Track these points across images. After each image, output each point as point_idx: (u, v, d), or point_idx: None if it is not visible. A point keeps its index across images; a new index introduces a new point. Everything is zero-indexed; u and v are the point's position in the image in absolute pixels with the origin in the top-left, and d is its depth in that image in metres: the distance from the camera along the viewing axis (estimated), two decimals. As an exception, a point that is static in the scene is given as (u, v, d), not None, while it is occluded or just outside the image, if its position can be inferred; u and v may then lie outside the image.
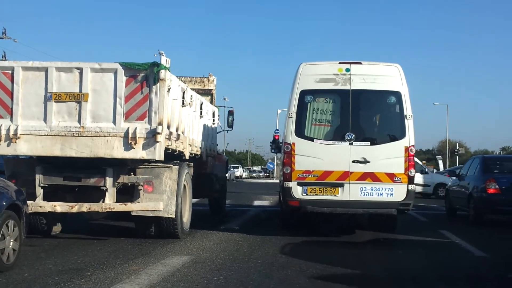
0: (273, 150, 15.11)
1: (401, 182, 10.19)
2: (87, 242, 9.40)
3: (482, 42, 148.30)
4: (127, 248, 8.88)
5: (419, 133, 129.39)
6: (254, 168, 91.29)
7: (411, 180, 10.23)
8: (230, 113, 16.46)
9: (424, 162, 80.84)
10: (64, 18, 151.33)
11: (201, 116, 12.23)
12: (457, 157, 64.31)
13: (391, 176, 10.19)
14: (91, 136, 8.88)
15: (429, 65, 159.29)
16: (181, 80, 10.91)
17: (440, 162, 72.54)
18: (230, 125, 16.40)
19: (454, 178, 17.07)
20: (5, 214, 6.86)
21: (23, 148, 9.01)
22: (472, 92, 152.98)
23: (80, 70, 8.94)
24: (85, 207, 9.09)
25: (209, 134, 13.46)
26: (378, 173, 10.20)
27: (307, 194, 10.32)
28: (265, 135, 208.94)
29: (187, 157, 10.78)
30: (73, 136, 8.90)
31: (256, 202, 20.50)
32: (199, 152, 12.10)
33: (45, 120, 8.97)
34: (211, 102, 14.83)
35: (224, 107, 21.09)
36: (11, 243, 6.98)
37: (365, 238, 10.85)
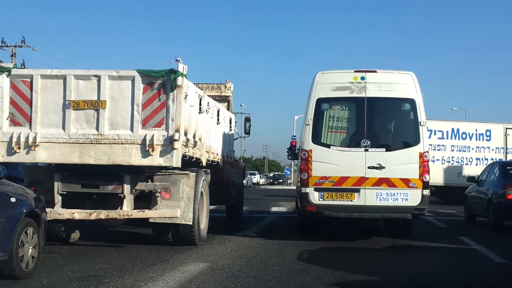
0: (290, 157, 15.11)
1: (416, 187, 10.31)
2: (105, 249, 9.45)
3: (499, 47, 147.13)
4: (145, 255, 8.92)
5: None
6: (270, 174, 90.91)
7: (425, 185, 10.37)
8: (247, 119, 16.45)
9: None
10: (84, 29, 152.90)
11: (218, 123, 12.27)
12: (476, 162, 63.63)
13: (406, 182, 10.32)
14: (109, 144, 8.94)
15: (447, 70, 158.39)
16: (198, 87, 10.96)
17: (459, 168, 72.11)
18: (247, 132, 16.38)
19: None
20: (24, 222, 6.91)
21: (42, 155, 9.08)
22: (491, 97, 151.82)
23: (98, 77, 9.02)
24: (103, 214, 9.13)
25: (226, 140, 13.49)
26: (393, 178, 10.33)
27: (324, 200, 10.43)
28: (282, 141, 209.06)
29: (204, 164, 10.81)
30: (91, 143, 8.96)
31: (274, 209, 20.48)
32: (216, 159, 12.13)
33: (63, 127, 9.06)
34: (228, 109, 14.86)
35: (241, 113, 21.24)
36: (30, 250, 7.03)
37: (382, 244, 10.80)
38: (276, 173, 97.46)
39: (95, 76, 9.05)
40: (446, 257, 9.57)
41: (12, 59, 43.72)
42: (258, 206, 21.48)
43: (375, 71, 10.78)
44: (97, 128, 8.99)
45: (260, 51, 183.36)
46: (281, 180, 76.83)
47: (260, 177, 75.22)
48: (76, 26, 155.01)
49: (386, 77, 10.76)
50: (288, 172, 66.30)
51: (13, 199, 6.83)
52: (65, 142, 9.02)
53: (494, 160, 20.69)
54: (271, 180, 77.64)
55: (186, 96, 9.12)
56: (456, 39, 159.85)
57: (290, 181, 71.62)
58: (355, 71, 10.76)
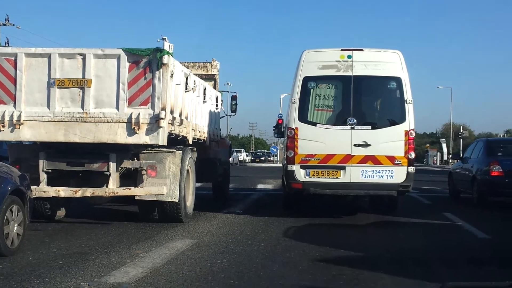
0: (276, 135, 15.14)
1: (401, 165, 10.42)
2: (91, 227, 9.46)
3: (486, 25, 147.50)
4: (131, 232, 8.93)
5: (423, 117, 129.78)
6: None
7: (411, 162, 10.49)
8: (233, 98, 16.45)
9: (427, 145, 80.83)
10: (67, 8, 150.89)
11: (204, 101, 12.25)
12: (461, 140, 64.23)
13: (392, 159, 10.42)
14: (94, 122, 8.91)
15: (434, 49, 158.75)
16: (184, 66, 10.94)
17: (444, 146, 72.62)
18: (233, 110, 16.39)
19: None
20: (9, 199, 6.90)
21: (27, 134, 9.04)
22: (477, 75, 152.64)
23: (83, 56, 8.95)
24: (88, 192, 9.12)
25: (212, 119, 13.49)
26: (378, 156, 10.42)
27: (309, 177, 10.51)
28: (269, 119, 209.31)
29: (190, 142, 10.82)
30: (77, 122, 8.93)
31: (260, 186, 20.57)
32: (202, 137, 12.14)
33: (48, 106, 8.99)
34: (214, 87, 14.83)
35: (228, 92, 21.14)
36: (15, 228, 7.02)
37: (368, 220, 10.90)
38: (259, 150, 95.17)
39: (80, 54, 8.97)
40: (430, 233, 9.68)
41: (-5, 37, 43.22)
42: (244, 183, 21.55)
43: (361, 50, 10.80)
44: (82, 107, 8.94)
45: (246, 29, 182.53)
46: (263, 158, 75.11)
47: (247, 155, 75.18)
48: (60, 4, 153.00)
49: (373, 55, 10.79)
50: (275, 150, 66.36)
51: None
52: (50, 121, 8.96)
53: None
54: (252, 158, 74.39)
55: (172, 74, 9.08)
56: (440, 17, 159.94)
57: (271, 158, 71.87)
58: (342, 50, 10.76)
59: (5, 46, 9.30)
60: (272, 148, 69.77)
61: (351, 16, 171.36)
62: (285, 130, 11.69)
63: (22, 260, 6.65)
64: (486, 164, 13.71)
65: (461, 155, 17.42)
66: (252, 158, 74.34)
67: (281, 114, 38.01)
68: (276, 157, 68.84)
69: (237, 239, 8.48)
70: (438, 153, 74.04)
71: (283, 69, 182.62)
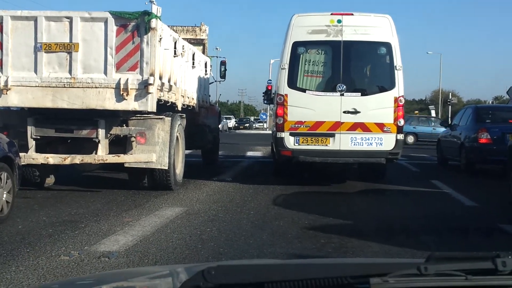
0: (265, 101, 15.09)
1: (390, 132, 10.40)
2: (80, 194, 9.45)
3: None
4: (121, 200, 8.94)
5: (413, 83, 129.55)
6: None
7: (400, 129, 10.47)
8: (223, 63, 16.33)
9: (417, 112, 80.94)
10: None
11: (193, 67, 12.13)
12: (450, 107, 64.33)
13: (381, 126, 10.39)
14: (82, 87, 8.79)
15: (423, 13, 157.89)
16: (173, 30, 10.80)
17: (433, 112, 72.68)
18: (223, 76, 16.25)
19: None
20: (-3, 167, 6.86)
21: (14, 99, 8.92)
22: (466, 41, 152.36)
23: (70, 19, 8.78)
24: (77, 159, 9.03)
25: (201, 85, 13.37)
26: (368, 123, 10.38)
27: (299, 144, 10.49)
28: (258, 85, 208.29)
29: (179, 109, 10.74)
30: (64, 87, 8.79)
31: (249, 153, 20.58)
32: (191, 103, 12.06)
33: (35, 71, 8.84)
34: (203, 53, 14.65)
35: (217, 57, 20.99)
36: (4, 195, 6.99)
37: (356, 188, 10.96)
38: (243, 117, 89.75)
39: (67, 17, 8.79)
40: (418, 201, 9.76)
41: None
42: (234, 150, 21.54)
43: (352, 14, 10.64)
44: (70, 72, 8.80)
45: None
46: (247, 125, 70.82)
47: (235, 121, 73.67)
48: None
49: (363, 20, 10.65)
50: (264, 117, 66.20)
51: None
52: (38, 86, 8.83)
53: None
54: (235, 125, 68.35)
55: (160, 39, 8.93)
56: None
57: (256, 125, 70.87)
58: (332, 14, 10.60)
59: None
60: (262, 115, 69.57)
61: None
62: (274, 97, 11.60)
63: (11, 228, 6.64)
64: (475, 131, 13.77)
65: (449, 122, 17.47)
66: (236, 125, 68.43)
67: (270, 80, 37.76)
68: (263, 124, 68.12)
69: (226, 207, 8.52)
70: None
71: (273, 34, 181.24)
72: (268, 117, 60.98)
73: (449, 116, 55.72)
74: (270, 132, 19.91)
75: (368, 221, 7.72)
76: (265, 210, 8.34)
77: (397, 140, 10.44)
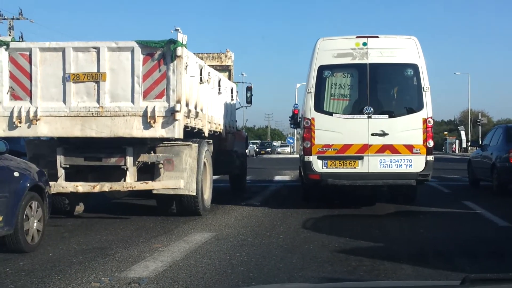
0: (292, 125, 15.08)
1: (420, 153, 10.31)
2: (109, 221, 9.49)
3: (504, 10, 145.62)
4: (149, 226, 8.95)
5: (441, 104, 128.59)
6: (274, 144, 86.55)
7: (429, 151, 10.36)
8: (249, 88, 16.41)
9: (446, 133, 79.98)
10: (81, 1, 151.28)
11: (219, 93, 12.21)
12: (480, 127, 63.53)
13: (410, 148, 10.31)
14: (110, 116, 8.91)
15: (451, 34, 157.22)
16: (198, 57, 10.91)
17: (463, 133, 71.94)
18: (249, 101, 16.35)
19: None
20: (28, 196, 6.94)
21: (44, 129, 9.07)
22: (494, 60, 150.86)
23: (97, 49, 8.94)
24: (106, 186, 9.14)
25: (228, 110, 13.46)
26: (396, 145, 10.31)
27: (327, 168, 10.44)
28: (284, 110, 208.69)
29: (206, 134, 10.80)
30: (93, 116, 8.94)
31: (277, 177, 20.53)
32: (218, 129, 12.12)
33: (64, 101, 9.00)
34: (229, 78, 14.78)
35: (243, 83, 21.09)
36: (35, 224, 7.08)
37: (387, 211, 10.82)
38: (264, 141, 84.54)
39: (94, 48, 8.96)
40: (450, 222, 9.59)
41: (10, 32, 43.47)
42: (262, 175, 21.51)
43: (377, 37, 10.66)
44: (98, 101, 8.94)
45: (260, 18, 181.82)
46: (269, 149, 66.55)
47: (256, 146, 65.77)
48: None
49: (388, 42, 10.65)
50: (291, 141, 66.04)
51: (16, 174, 6.85)
52: (66, 116, 8.98)
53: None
54: (256, 149, 60.31)
55: (186, 66, 9.04)
56: (456, 2, 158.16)
57: (280, 150, 69.82)
58: (357, 37, 10.62)
59: (19, 41, 9.36)
60: (289, 139, 69.40)
61: (367, 3, 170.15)
62: (301, 121, 11.60)
63: (42, 256, 6.69)
64: (506, 151, 13.54)
65: (480, 143, 17.23)
66: (257, 150, 61.21)
67: (296, 104, 37.81)
68: (284, 149, 67.05)
69: (255, 231, 8.47)
70: (457, 141, 73.37)
71: (299, 58, 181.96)
72: (295, 141, 60.80)
73: (479, 136, 55.07)
74: (297, 156, 19.86)
75: (400, 244, 7.59)
76: (294, 234, 8.26)
77: (427, 162, 10.33)
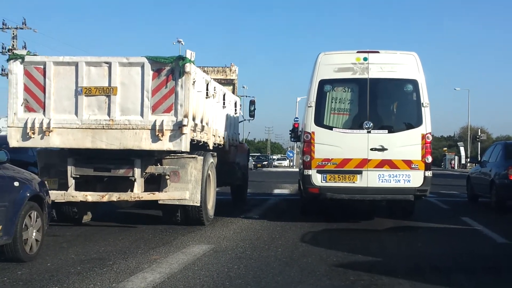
0: (292, 139, 15.15)
1: (418, 169, 10.38)
2: (108, 232, 9.50)
3: (503, 26, 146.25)
4: (148, 238, 8.96)
5: (441, 119, 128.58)
6: (274, 157, 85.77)
7: (428, 166, 10.43)
8: (252, 103, 16.66)
9: (445, 149, 79.92)
10: (85, 11, 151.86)
11: (224, 107, 12.44)
12: (479, 143, 63.61)
13: (408, 163, 10.37)
14: (120, 129, 9.20)
15: (450, 50, 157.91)
16: (204, 71, 11.17)
17: (462, 149, 71.99)
18: (252, 115, 16.62)
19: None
20: (28, 205, 6.95)
21: (56, 141, 9.34)
22: (494, 77, 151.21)
23: (109, 64, 9.22)
24: (115, 196, 9.41)
25: (231, 124, 13.67)
26: (395, 160, 10.37)
27: (326, 182, 10.49)
28: (285, 123, 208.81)
29: (211, 147, 11.02)
30: (103, 128, 9.22)
31: (276, 191, 20.53)
32: (222, 142, 12.30)
33: (76, 113, 9.29)
34: (233, 92, 14.99)
35: (246, 96, 21.21)
36: (34, 234, 7.07)
37: (385, 225, 10.83)
38: (261, 154, 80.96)
39: (106, 63, 9.24)
40: (448, 238, 9.59)
41: (13, 41, 43.85)
42: (261, 188, 21.51)
43: (377, 52, 10.74)
44: (108, 114, 9.22)
45: (262, 32, 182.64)
46: (266, 163, 64.75)
47: (253, 160, 64.51)
48: (78, 7, 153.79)
49: (389, 57, 10.74)
50: (291, 155, 66.06)
51: (16, 183, 6.87)
52: (78, 128, 9.27)
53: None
54: (253, 163, 56.04)
55: (194, 82, 9.31)
56: (457, 18, 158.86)
57: (276, 163, 69.45)
58: (358, 52, 10.72)
59: (34, 54, 9.68)
60: (289, 153, 69.40)
61: (367, 19, 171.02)
62: (301, 134, 11.68)
63: (40, 266, 6.69)
64: (505, 168, 13.57)
65: (479, 159, 17.27)
66: (253, 163, 56.22)
67: (297, 118, 37.91)
68: (282, 162, 66.56)
69: (254, 244, 8.48)
70: (456, 157, 73.38)
71: (300, 72, 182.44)
72: (295, 154, 60.81)
73: (479, 152, 55.13)
74: (297, 169, 19.89)
75: (398, 259, 7.60)
76: (293, 247, 8.27)
77: (425, 177, 10.39)
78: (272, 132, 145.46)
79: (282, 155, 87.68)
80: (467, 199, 16.57)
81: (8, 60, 9.53)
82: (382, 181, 10.39)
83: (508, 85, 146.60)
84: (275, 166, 65.78)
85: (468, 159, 61.54)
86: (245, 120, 16.99)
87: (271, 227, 10.35)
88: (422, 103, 10.49)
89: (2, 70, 45.38)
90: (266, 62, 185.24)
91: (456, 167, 69.53)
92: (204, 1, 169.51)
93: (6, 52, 44.09)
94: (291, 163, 66.75)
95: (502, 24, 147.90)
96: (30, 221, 7.01)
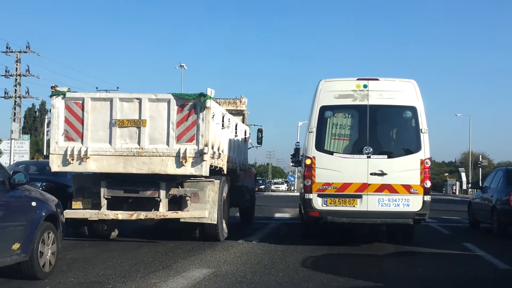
0: (293, 163, 15.33)
1: (417, 193, 10.50)
2: (108, 255, 9.47)
3: (504, 52, 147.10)
4: (148, 261, 8.93)
5: (442, 145, 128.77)
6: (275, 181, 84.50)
7: (426, 191, 10.55)
8: (260, 131, 17.59)
9: (446, 174, 79.80)
10: (88, 34, 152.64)
11: (236, 136, 13.61)
12: (480, 169, 63.56)
13: (407, 188, 10.50)
14: (148, 156, 10.46)
15: (452, 76, 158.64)
16: (216, 102, 12.01)
17: (463, 174, 71.90)
18: (260, 142, 17.58)
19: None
20: (44, 225, 7.26)
21: (92, 166, 10.57)
22: (495, 103, 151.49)
23: (140, 100, 10.53)
24: (142, 215, 10.63)
25: (241, 150, 14.91)
26: (395, 184, 10.51)
27: (327, 205, 10.60)
28: (286, 147, 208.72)
29: (225, 172, 12.09)
30: (134, 156, 10.48)
31: (277, 215, 20.48)
32: (234, 167, 13.48)
33: (110, 142, 10.54)
34: (243, 121, 16.41)
35: (255, 125, 21.66)
36: (49, 252, 7.36)
37: (385, 250, 10.79)
38: (261, 178, 77.01)
39: (137, 98, 10.56)
40: (450, 264, 9.55)
41: (17, 64, 44.32)
42: (262, 212, 21.45)
43: (377, 79, 10.92)
44: (138, 143, 10.49)
45: (264, 57, 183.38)
46: (263, 187, 61.48)
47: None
48: (81, 30, 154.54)
49: (388, 85, 10.92)
50: (292, 179, 66.00)
51: (34, 203, 7.22)
52: (112, 155, 10.51)
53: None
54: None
55: (213, 115, 10.60)
56: (457, 44, 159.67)
57: (274, 187, 68.84)
58: (358, 79, 10.90)
59: (74, 92, 10.91)
60: (290, 177, 69.35)
61: (367, 44, 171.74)
62: (302, 159, 11.78)
63: (39, 289, 6.66)
64: (506, 194, 13.54)
65: (480, 185, 17.25)
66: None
67: (298, 143, 38.04)
68: (279, 186, 66.33)
69: (254, 268, 8.44)
70: (457, 182, 73.27)
71: (301, 97, 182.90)
72: (296, 179, 60.73)
73: (480, 178, 55.06)
74: (297, 193, 19.88)
75: (399, 284, 7.57)
76: (293, 272, 8.23)
77: (424, 201, 10.48)
78: (274, 156, 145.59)
79: (283, 179, 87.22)
80: (469, 225, 16.51)
81: (51, 96, 10.69)
82: (381, 205, 10.48)
83: (509, 111, 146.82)
84: (273, 191, 65.25)
85: (470, 185, 61.34)
86: (253, 146, 17.84)
87: (272, 251, 10.32)
88: (421, 129, 10.62)
89: (5, 93, 45.66)
90: (269, 88, 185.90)
91: (457, 193, 69.41)
92: (205, 28, 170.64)
93: (9, 75, 44.44)
94: (292, 187, 66.55)
95: (503, 50, 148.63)
96: (47, 240, 7.31)
